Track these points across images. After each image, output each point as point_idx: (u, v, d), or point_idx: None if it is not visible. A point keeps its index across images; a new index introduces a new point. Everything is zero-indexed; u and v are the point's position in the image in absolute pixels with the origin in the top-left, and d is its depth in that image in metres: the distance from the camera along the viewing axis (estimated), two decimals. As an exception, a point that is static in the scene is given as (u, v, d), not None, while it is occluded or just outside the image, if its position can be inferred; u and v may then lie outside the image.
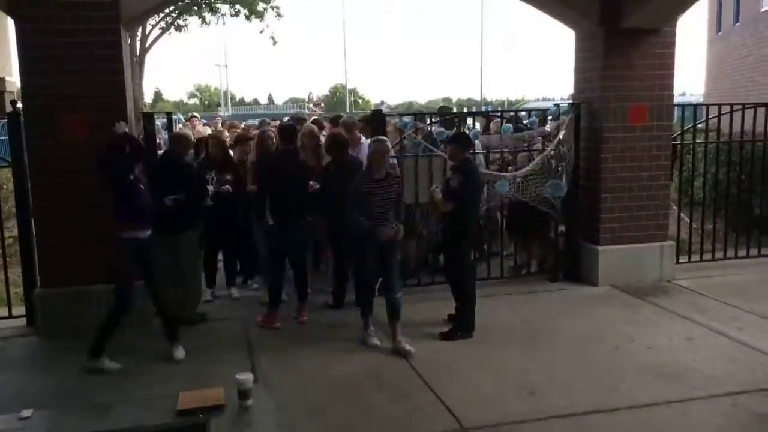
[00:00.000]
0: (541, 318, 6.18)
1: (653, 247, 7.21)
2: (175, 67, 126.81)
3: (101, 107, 5.77)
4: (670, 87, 7.12)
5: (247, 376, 3.25)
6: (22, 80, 5.84)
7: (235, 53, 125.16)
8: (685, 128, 7.72)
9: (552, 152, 6.89)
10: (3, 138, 12.31)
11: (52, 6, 5.62)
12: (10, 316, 6.17)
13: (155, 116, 6.78)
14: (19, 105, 6.06)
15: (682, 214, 8.01)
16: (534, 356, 5.27)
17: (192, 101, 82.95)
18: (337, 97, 78.38)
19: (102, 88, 5.78)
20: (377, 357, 5.32)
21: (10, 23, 6.25)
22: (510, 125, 7.19)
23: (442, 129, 6.90)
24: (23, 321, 6.12)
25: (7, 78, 16.46)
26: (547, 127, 7.09)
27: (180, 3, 19.12)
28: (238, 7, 23.70)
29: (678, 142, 7.66)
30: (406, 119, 6.95)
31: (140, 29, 21.85)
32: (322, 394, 4.66)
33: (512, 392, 4.64)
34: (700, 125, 7.92)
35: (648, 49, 6.91)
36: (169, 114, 7.24)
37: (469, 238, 5.89)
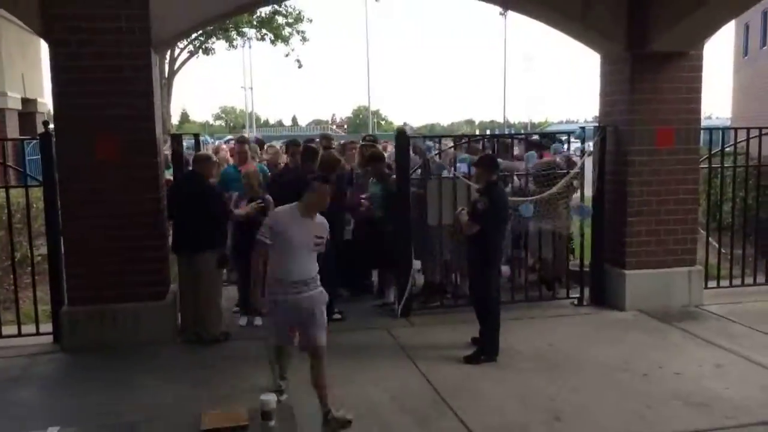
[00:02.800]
0: (567, 342, 6.10)
1: (681, 272, 7.10)
2: (202, 89, 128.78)
3: (131, 129, 5.88)
4: (698, 110, 7.06)
5: (270, 397, 3.25)
6: (54, 102, 5.97)
7: (260, 75, 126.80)
8: (713, 152, 7.64)
9: (575, 176, 6.85)
10: (34, 158, 12.60)
11: (85, 30, 5.76)
12: (38, 333, 6.24)
13: (183, 137, 6.89)
14: (51, 126, 6.19)
15: (710, 239, 7.88)
16: (559, 382, 5.19)
17: (218, 123, 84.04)
18: (360, 118, 78.90)
19: (132, 110, 5.90)
20: (401, 378, 5.28)
21: (43, 46, 6.41)
22: (534, 152, 7.16)
23: (466, 155, 6.92)
24: (50, 338, 6.19)
25: (39, 99, 16.82)
26: (572, 151, 7.07)
27: (209, 28, 19.48)
28: (264, 31, 24.10)
29: (706, 166, 7.57)
30: (429, 142, 6.97)
31: (169, 52, 22.27)
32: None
33: (537, 419, 4.57)
34: (728, 149, 7.82)
35: (675, 73, 6.87)
36: (196, 135, 7.35)
37: (494, 260, 5.85)
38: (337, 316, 6.62)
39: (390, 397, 4.92)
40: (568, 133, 7.42)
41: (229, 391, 4.98)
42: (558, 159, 7.14)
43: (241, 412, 3.35)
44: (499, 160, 6.75)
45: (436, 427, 4.47)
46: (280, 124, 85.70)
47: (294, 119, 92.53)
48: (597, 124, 7.36)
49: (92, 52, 5.79)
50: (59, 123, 5.95)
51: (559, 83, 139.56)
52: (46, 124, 6.25)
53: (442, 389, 5.06)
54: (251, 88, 56.65)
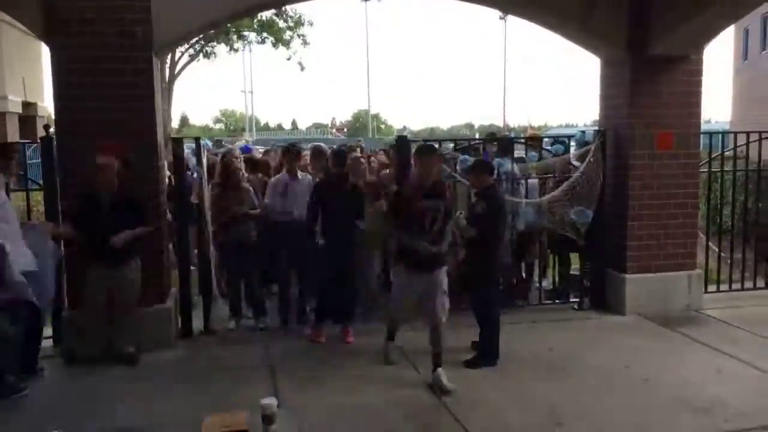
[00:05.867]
0: (567, 347, 6.09)
1: (681, 276, 7.10)
2: (202, 93, 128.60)
3: (132, 132, 5.87)
4: (698, 115, 7.07)
5: (271, 401, 3.26)
6: (55, 105, 5.96)
7: (260, 79, 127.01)
8: (713, 156, 7.64)
9: (578, 179, 6.84)
10: (34, 161, 12.59)
11: (86, 34, 5.75)
12: (38, 337, 6.21)
13: (184, 141, 6.87)
14: (52, 129, 6.19)
15: (710, 243, 7.88)
16: (560, 387, 5.18)
17: (218, 126, 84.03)
18: (359, 122, 78.89)
19: (133, 114, 5.89)
20: (401, 383, 5.28)
21: (44, 50, 6.41)
22: (535, 153, 7.17)
23: (467, 156, 6.92)
24: (49, 342, 6.17)
25: (39, 103, 16.84)
26: (572, 155, 7.06)
27: (210, 32, 19.51)
28: (264, 34, 24.12)
29: (706, 170, 7.57)
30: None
31: (169, 56, 22.29)
32: (346, 422, 4.60)
33: (539, 424, 4.56)
34: (728, 153, 7.83)
35: (675, 77, 6.88)
36: (197, 139, 7.33)
37: (493, 265, 5.85)
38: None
39: (391, 402, 4.90)
40: (568, 137, 7.42)
41: (230, 396, 4.95)
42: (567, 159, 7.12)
43: (241, 416, 3.36)
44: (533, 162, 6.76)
45: (437, 433, 4.46)
46: (279, 127, 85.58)
47: (294, 123, 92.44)
48: (597, 128, 7.37)
49: (93, 55, 5.78)
50: (60, 126, 5.94)
51: (559, 87, 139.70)
52: (47, 127, 6.25)
53: (445, 395, 5.05)
54: (251, 92, 56.73)
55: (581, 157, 6.97)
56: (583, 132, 7.41)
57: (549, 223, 6.84)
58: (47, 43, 5.90)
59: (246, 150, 10.25)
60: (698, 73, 6.98)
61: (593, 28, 6.87)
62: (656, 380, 5.29)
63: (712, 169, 7.65)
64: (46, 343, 6.15)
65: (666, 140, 6.93)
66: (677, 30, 6.42)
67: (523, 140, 7.94)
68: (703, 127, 7.46)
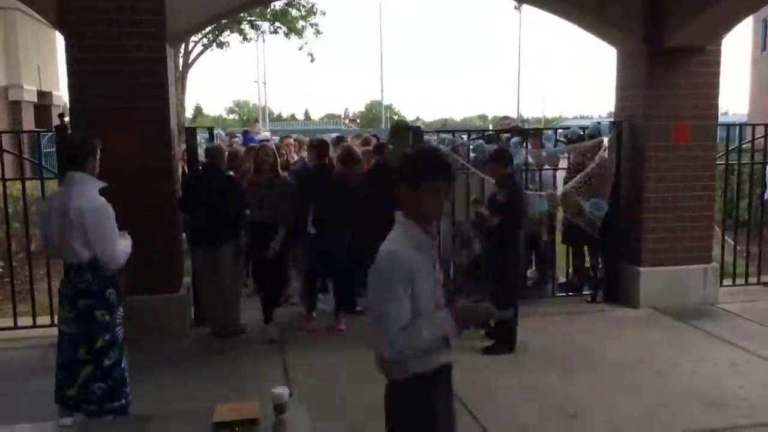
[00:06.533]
0: (581, 340, 6.06)
1: (697, 270, 7.04)
2: (215, 83, 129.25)
3: (146, 121, 5.89)
4: (715, 106, 6.99)
5: (283, 390, 3.23)
6: (70, 94, 5.98)
7: (273, 69, 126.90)
8: (730, 148, 7.55)
9: (593, 170, 6.78)
10: (50, 150, 12.68)
11: (101, 22, 5.77)
12: (52, 325, 6.26)
13: (197, 131, 6.90)
14: (67, 118, 6.21)
15: (726, 236, 7.80)
16: (574, 379, 5.16)
17: (231, 117, 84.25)
18: (372, 113, 78.77)
19: (147, 103, 5.91)
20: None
21: (59, 39, 6.42)
22: (550, 144, 7.12)
23: (482, 141, 6.88)
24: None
25: (54, 92, 16.93)
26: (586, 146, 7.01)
27: (223, 21, 19.51)
28: (277, 24, 24.08)
29: (722, 162, 7.48)
30: (444, 135, 6.94)
31: (183, 46, 22.32)
32: (359, 411, 4.60)
33: (552, 416, 4.55)
34: (745, 145, 7.73)
35: (692, 68, 6.79)
36: (210, 129, 7.35)
37: (512, 252, 5.85)
38: (359, 308, 6.70)
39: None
40: (584, 128, 7.35)
41: (243, 384, 5.00)
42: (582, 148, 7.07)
43: (253, 404, 3.35)
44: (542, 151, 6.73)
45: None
46: (293, 118, 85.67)
47: (307, 113, 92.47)
48: (613, 120, 7.30)
49: (107, 44, 5.80)
50: (74, 115, 5.96)
51: (574, 78, 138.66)
52: (61, 116, 6.26)
53: (456, 384, 5.00)
54: (264, 83, 56.75)
55: (594, 149, 6.91)
56: (599, 123, 7.32)
57: (564, 215, 6.80)
58: (61, 32, 5.92)
59: (248, 141, 10.11)
60: (716, 64, 6.89)
61: (609, 19, 6.79)
62: (670, 374, 5.25)
63: (729, 162, 7.56)
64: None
65: (683, 132, 6.85)
66: (694, 21, 6.33)
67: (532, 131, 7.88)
68: (720, 118, 7.36)
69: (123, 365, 4.12)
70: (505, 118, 9.16)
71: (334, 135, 10.44)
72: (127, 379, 4.17)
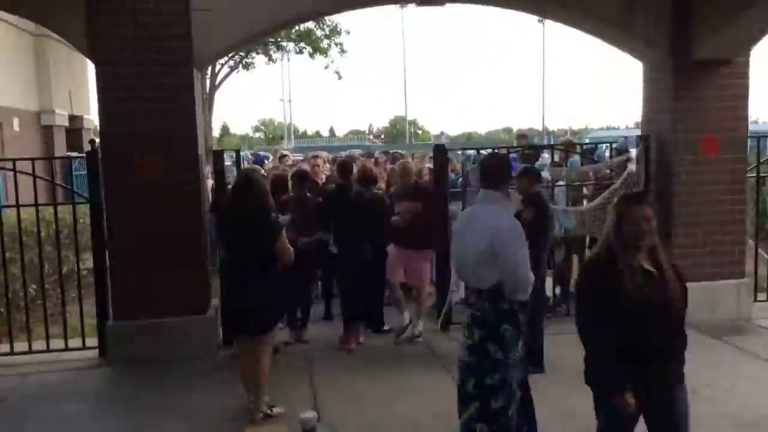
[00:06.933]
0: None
1: (729, 285, 6.90)
2: (242, 102, 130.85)
3: (174, 147, 5.99)
4: (744, 118, 6.90)
5: (311, 415, 3.26)
6: (100, 120, 6.11)
7: (298, 87, 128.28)
8: (762, 160, 7.41)
9: (621, 186, 6.72)
10: (81, 173, 12.92)
11: (129, 51, 5.90)
12: (84, 347, 6.37)
13: (224, 153, 6.99)
14: (98, 142, 6.35)
15: (760, 250, 7.64)
16: (603, 399, 5.06)
17: (257, 135, 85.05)
18: (397, 129, 78.98)
19: (175, 128, 6.01)
20: (442, 395, 5.23)
21: (89, 64, 6.56)
22: (578, 158, 7.06)
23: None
24: (95, 352, 6.31)
25: (85, 116, 17.29)
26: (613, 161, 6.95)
27: (249, 46, 19.80)
28: (302, 44, 24.36)
29: (754, 174, 7.35)
30: (470, 152, 6.94)
31: (210, 68, 22.68)
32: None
33: (581, 437, 4.47)
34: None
35: (720, 81, 6.72)
36: (237, 151, 7.45)
37: (540, 270, 5.81)
38: (386, 327, 6.80)
39: (432, 415, 4.87)
40: (611, 143, 7.30)
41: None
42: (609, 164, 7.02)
43: (283, 429, 3.37)
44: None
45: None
46: (317, 134, 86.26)
47: (331, 130, 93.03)
48: (640, 134, 7.23)
49: (136, 71, 5.92)
50: (104, 141, 6.09)
51: (600, 89, 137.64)
52: (92, 143, 6.40)
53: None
54: (289, 101, 57.39)
55: (622, 165, 6.85)
56: (626, 138, 7.27)
57: (590, 232, 6.72)
58: (92, 60, 6.07)
59: (259, 162, 9.98)
60: (744, 75, 6.80)
61: (634, 32, 6.76)
62: (703, 393, 5.12)
63: (761, 174, 7.42)
64: (92, 353, 6.31)
65: (711, 145, 6.76)
66: (722, 33, 6.26)
67: (552, 147, 7.84)
68: (751, 127, 7.25)
69: (510, 412, 3.62)
70: (523, 137, 9.08)
71: (356, 151, 10.50)
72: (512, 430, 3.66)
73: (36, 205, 6.30)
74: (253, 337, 4.64)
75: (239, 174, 6.43)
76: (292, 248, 4.78)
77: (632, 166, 6.78)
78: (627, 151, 6.92)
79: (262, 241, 4.58)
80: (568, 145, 8.19)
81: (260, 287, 4.52)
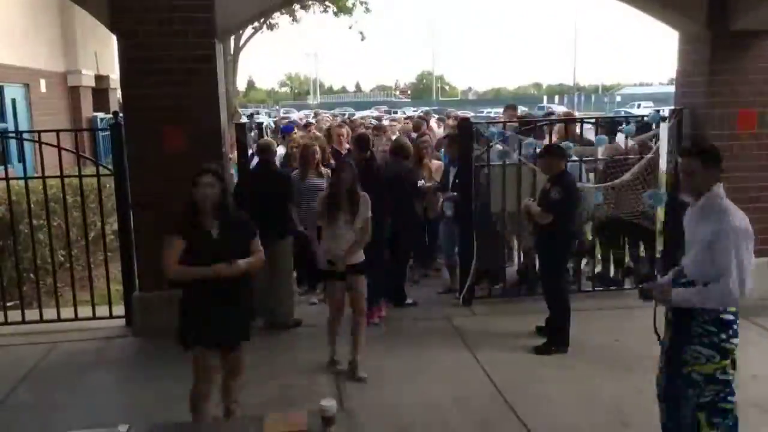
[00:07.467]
0: (634, 339, 5.87)
1: (760, 263, 6.70)
2: (267, 57, 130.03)
3: (196, 118, 5.95)
4: (783, 92, 6.63)
5: (331, 403, 3.27)
6: (122, 92, 6.10)
7: (324, 42, 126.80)
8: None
9: (648, 162, 6.55)
10: (107, 133, 13.01)
11: (151, 22, 5.83)
12: (111, 317, 6.49)
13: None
14: (121, 115, 6.34)
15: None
16: (627, 383, 5.03)
17: (283, 90, 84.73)
18: (423, 84, 78.08)
19: (197, 100, 5.96)
20: (462, 374, 5.26)
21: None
22: (605, 136, 6.87)
23: (532, 138, 6.71)
24: (122, 321, 6.43)
25: (111, 75, 17.31)
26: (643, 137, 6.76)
27: (270, 15, 19.50)
28: (327, 3, 23.94)
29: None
30: (494, 129, 6.80)
31: (234, 28, 22.52)
32: (407, 421, 4.58)
33: (604, 424, 4.47)
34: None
35: (758, 53, 6.47)
36: (259, 125, 7.41)
37: (566, 249, 5.76)
38: (409, 301, 6.79)
39: (452, 397, 4.88)
40: (642, 117, 7.09)
41: (291, 392, 5.01)
42: (631, 143, 6.84)
43: (302, 416, 3.40)
44: (570, 145, 6.57)
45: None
46: (343, 90, 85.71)
47: (357, 85, 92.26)
48: (673, 107, 7.01)
49: (158, 43, 5.86)
50: (127, 113, 6.08)
51: (634, 43, 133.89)
52: (116, 114, 6.39)
53: (504, 387, 4.99)
54: (316, 55, 56.94)
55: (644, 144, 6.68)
56: (658, 111, 7.06)
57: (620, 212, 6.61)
58: (113, 32, 6.00)
59: (288, 130, 9.57)
60: (785, 47, 6.52)
61: (671, 1, 6.49)
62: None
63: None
64: (119, 322, 6.42)
65: (748, 119, 6.55)
66: (761, 4, 5.98)
67: (550, 122, 7.60)
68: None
69: None
70: (512, 107, 8.39)
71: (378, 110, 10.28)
72: None
73: (62, 176, 6.34)
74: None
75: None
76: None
77: (654, 146, 6.60)
78: (656, 125, 6.70)
79: None
80: (566, 119, 7.94)
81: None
